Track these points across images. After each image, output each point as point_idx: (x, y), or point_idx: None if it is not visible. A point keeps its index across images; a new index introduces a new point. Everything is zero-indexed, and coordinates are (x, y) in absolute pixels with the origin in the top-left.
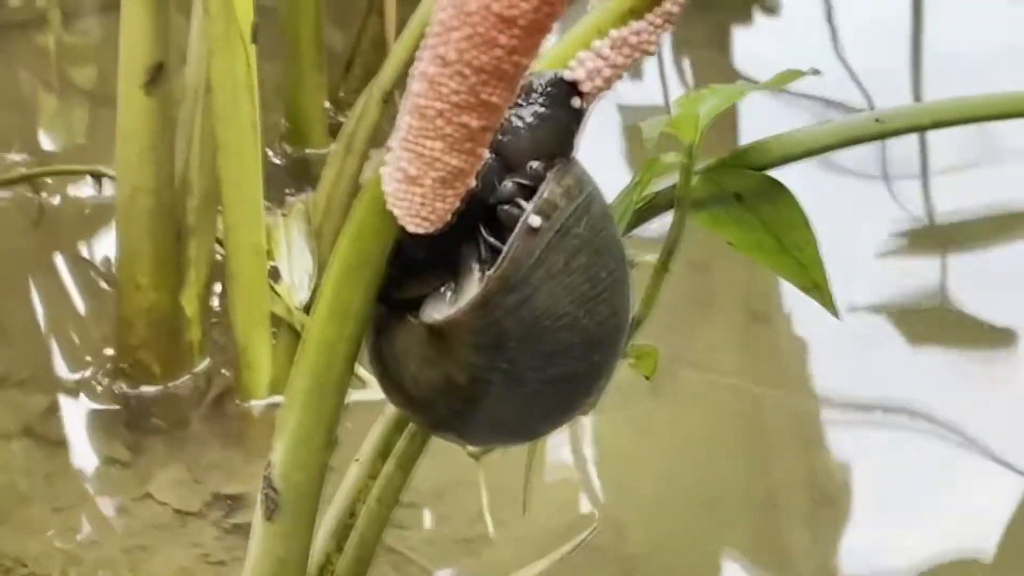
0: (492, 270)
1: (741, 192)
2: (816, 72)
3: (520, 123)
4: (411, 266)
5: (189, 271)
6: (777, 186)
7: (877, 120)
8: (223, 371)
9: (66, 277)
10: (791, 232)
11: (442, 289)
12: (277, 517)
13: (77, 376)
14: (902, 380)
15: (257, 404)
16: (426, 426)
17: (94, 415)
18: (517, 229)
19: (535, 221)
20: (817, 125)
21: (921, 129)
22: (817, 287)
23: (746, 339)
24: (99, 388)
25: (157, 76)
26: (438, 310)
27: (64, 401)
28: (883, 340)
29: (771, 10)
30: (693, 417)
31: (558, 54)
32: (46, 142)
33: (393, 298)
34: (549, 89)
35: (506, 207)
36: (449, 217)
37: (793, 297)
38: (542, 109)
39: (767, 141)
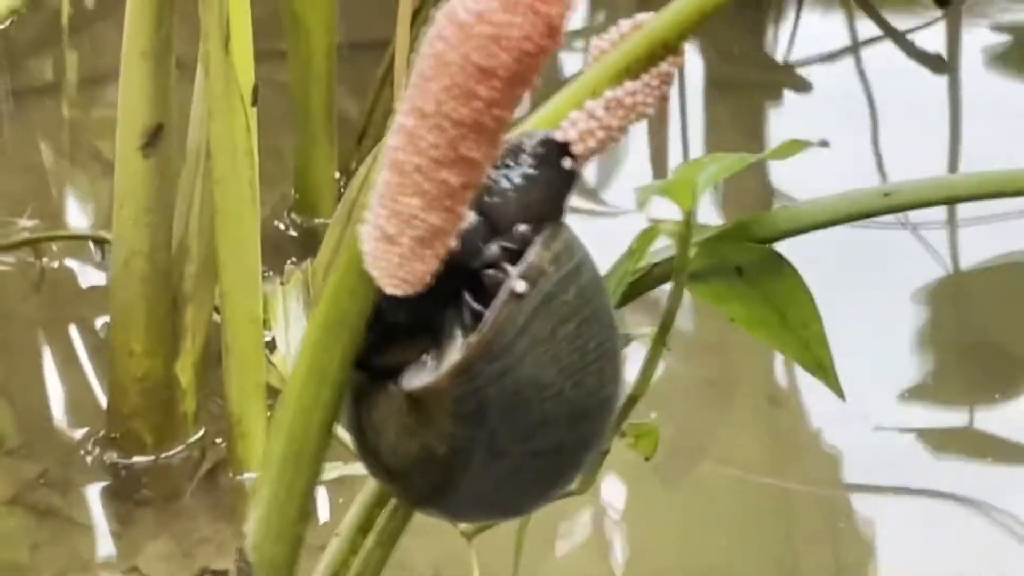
0: (474, 336)
1: (742, 265)
2: (824, 144)
3: (508, 184)
4: (391, 332)
5: (185, 339)
6: (780, 260)
7: (885, 195)
8: (218, 442)
9: (64, 344)
10: (794, 308)
11: (424, 357)
12: None
13: (70, 445)
14: (932, 463)
15: (251, 477)
16: (405, 499)
17: (85, 484)
18: (501, 294)
19: (520, 286)
20: (823, 199)
21: (931, 204)
22: (822, 367)
23: (765, 425)
24: (90, 458)
25: (155, 138)
26: (418, 377)
27: (55, 470)
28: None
29: (802, 88)
30: (713, 509)
31: (551, 114)
32: (57, 208)
33: (373, 364)
34: (539, 150)
35: (490, 271)
36: (429, 279)
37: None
38: (531, 170)
39: (771, 214)
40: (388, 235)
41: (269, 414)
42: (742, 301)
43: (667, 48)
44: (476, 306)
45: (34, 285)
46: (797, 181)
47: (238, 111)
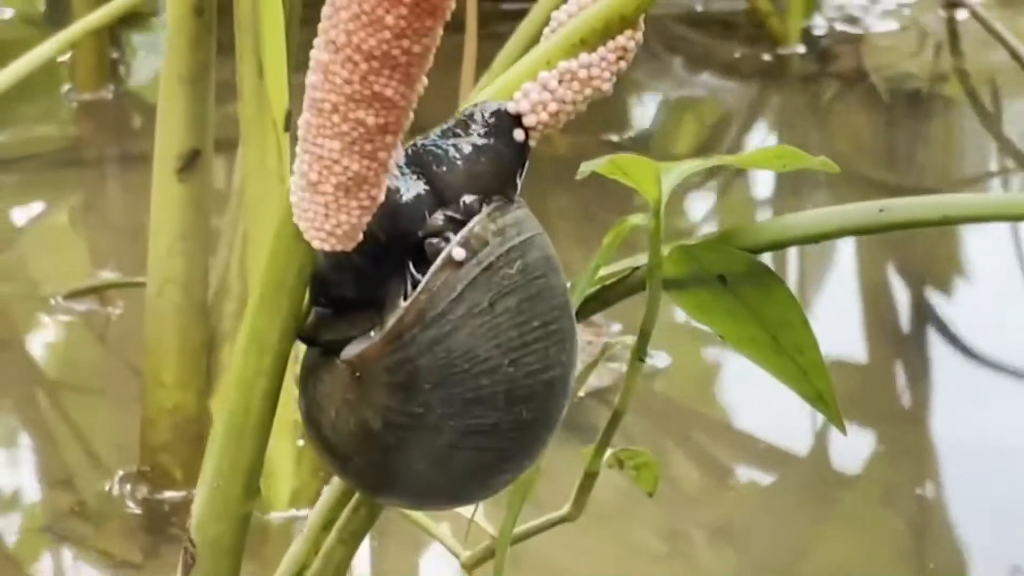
0: (407, 301)
1: (725, 274)
2: (829, 166)
3: (457, 154)
4: (340, 306)
5: (221, 376)
6: (767, 273)
7: (880, 211)
8: None
9: (122, 389)
10: (787, 331)
11: (371, 331)
12: (195, 573)
13: (106, 479)
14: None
15: (277, 516)
16: (349, 480)
17: (114, 517)
18: (438, 260)
19: (458, 253)
20: (815, 211)
21: (927, 224)
22: (822, 399)
23: None
24: (122, 492)
25: (191, 163)
26: (356, 347)
27: (89, 502)
28: None
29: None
30: None
31: (505, 85)
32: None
33: (321, 340)
34: (490, 120)
35: (433, 240)
36: (358, 236)
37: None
38: (481, 141)
39: (758, 224)
40: (312, 182)
41: (298, 452)
42: (730, 316)
43: (624, 21)
44: (419, 276)
45: (99, 335)
46: None
47: (270, 135)
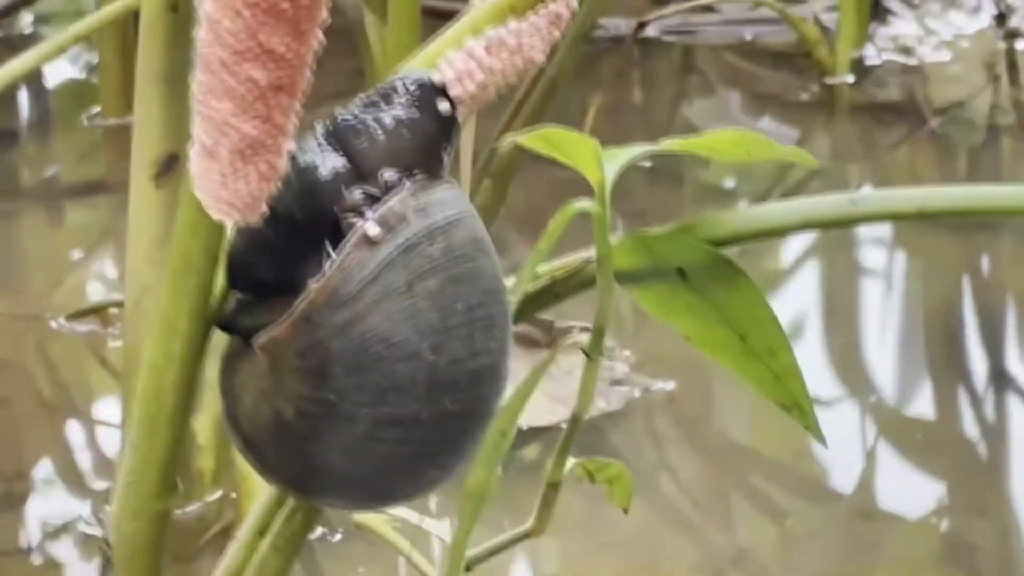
0: (316, 280)
1: (684, 268)
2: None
3: (377, 127)
4: (258, 291)
5: (204, 393)
6: (729, 266)
7: (851, 201)
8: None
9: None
10: (755, 330)
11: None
12: (111, 574)
13: (88, 502)
14: None
15: None
16: (267, 478)
17: (93, 540)
18: (352, 237)
19: (373, 230)
20: (782, 203)
21: (901, 218)
22: (798, 406)
23: None
24: (101, 513)
25: (169, 168)
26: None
27: (69, 525)
28: None
29: None
30: None
31: (430, 54)
32: None
33: (240, 326)
34: (413, 90)
35: (350, 217)
36: (261, 208)
37: None
38: (403, 112)
39: (719, 214)
40: (207, 148)
41: None
42: (693, 315)
43: None
44: (333, 255)
45: (99, 358)
46: None
47: None
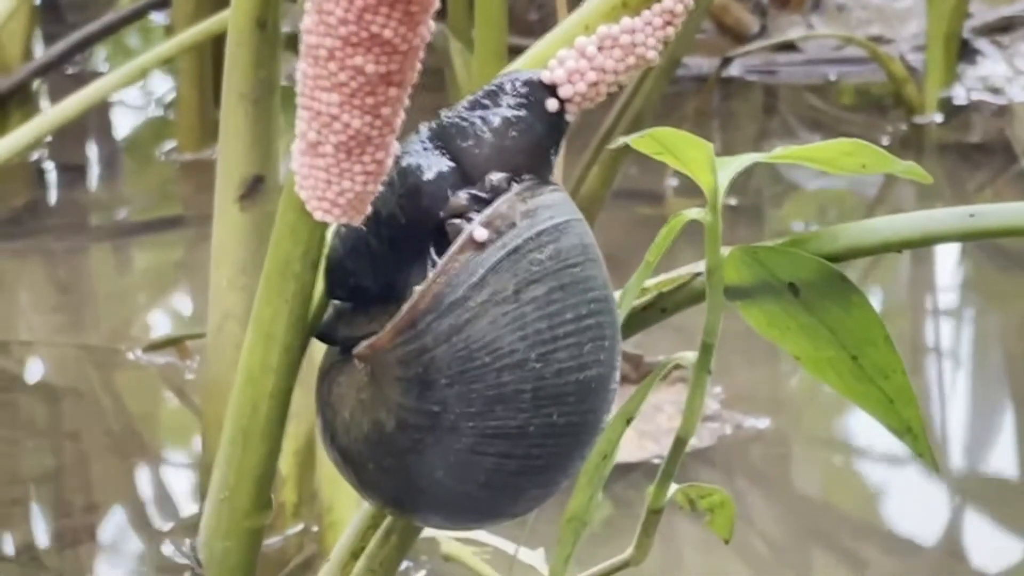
0: (422, 285)
1: (796, 283)
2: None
3: (485, 128)
4: (359, 299)
5: (288, 424)
6: (844, 282)
7: (971, 216)
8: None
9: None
10: (869, 350)
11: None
12: None
13: (165, 532)
14: None
15: None
16: (364, 495)
17: (179, 570)
18: (458, 241)
19: (480, 234)
20: (900, 215)
21: (1018, 233)
22: (911, 431)
23: None
24: (182, 545)
25: (253, 190)
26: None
27: (148, 557)
28: None
29: None
30: None
31: (539, 53)
32: None
33: (339, 336)
34: (522, 90)
35: (456, 221)
36: (366, 208)
37: None
38: (511, 113)
39: (833, 229)
40: (311, 143)
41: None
42: (803, 333)
43: None
44: (438, 260)
45: (176, 388)
46: None
47: None
